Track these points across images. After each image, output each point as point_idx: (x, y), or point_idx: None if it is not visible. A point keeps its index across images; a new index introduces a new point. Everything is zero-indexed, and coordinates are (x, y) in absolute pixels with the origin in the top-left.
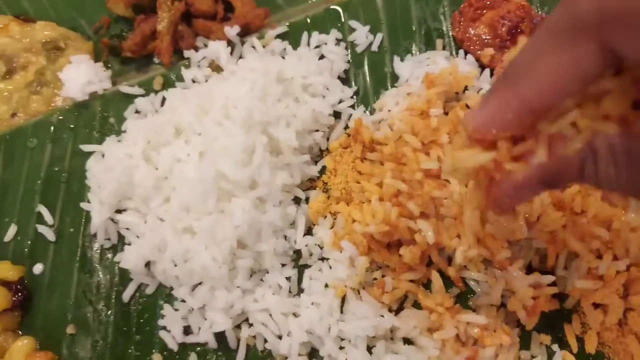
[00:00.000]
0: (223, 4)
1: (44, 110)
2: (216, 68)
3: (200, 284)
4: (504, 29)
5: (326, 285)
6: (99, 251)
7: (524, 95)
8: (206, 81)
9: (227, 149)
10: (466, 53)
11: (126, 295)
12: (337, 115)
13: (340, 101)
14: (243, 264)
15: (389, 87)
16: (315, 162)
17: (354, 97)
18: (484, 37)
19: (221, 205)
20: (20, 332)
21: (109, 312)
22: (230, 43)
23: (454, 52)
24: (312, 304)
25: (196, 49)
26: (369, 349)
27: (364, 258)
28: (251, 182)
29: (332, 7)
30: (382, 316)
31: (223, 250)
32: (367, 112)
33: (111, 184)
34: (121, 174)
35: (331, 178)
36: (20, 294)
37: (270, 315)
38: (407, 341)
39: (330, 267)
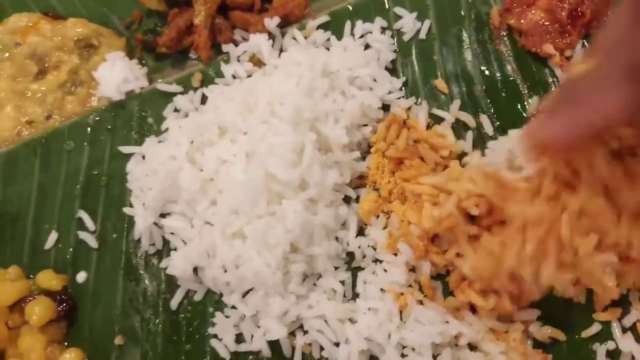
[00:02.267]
0: None
1: (79, 112)
2: (257, 62)
3: (252, 290)
4: (563, 14)
5: (382, 290)
6: (143, 257)
7: (603, 113)
8: (248, 76)
9: (275, 149)
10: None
11: (174, 303)
12: (385, 108)
13: (389, 93)
14: (296, 269)
15: (439, 77)
16: (364, 158)
17: (403, 88)
18: (542, 24)
19: (272, 207)
20: (66, 344)
21: (157, 321)
22: (270, 35)
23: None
24: (369, 309)
25: (234, 42)
26: (434, 357)
27: (427, 263)
28: (301, 183)
29: None
30: (447, 322)
31: (276, 255)
32: (418, 103)
33: (155, 187)
34: (165, 177)
35: (379, 176)
36: (65, 304)
37: (326, 321)
38: (471, 347)
39: (386, 270)
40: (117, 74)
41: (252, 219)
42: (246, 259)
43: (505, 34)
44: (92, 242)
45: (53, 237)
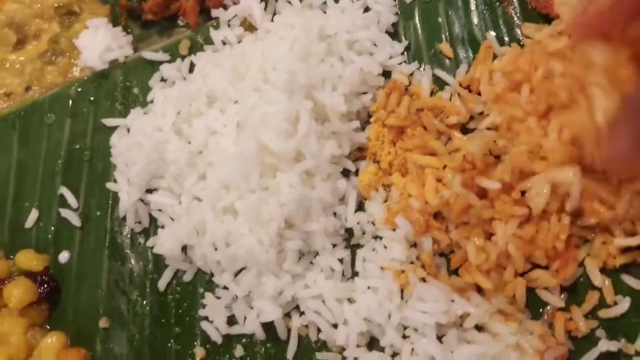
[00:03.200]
0: None
1: (60, 82)
2: (249, 27)
3: (244, 269)
4: None
5: (382, 267)
6: (129, 236)
7: None
8: (239, 42)
9: (268, 118)
10: None
11: (162, 284)
12: (386, 74)
13: (390, 58)
14: (291, 246)
15: (444, 40)
16: (364, 129)
17: (405, 52)
18: None
19: (265, 181)
20: (48, 327)
21: (145, 303)
22: None
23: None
24: (368, 288)
25: (225, 7)
26: (438, 339)
27: (429, 239)
28: (296, 154)
29: None
30: (453, 301)
31: (270, 232)
32: (421, 68)
33: (140, 161)
34: (151, 150)
35: (379, 147)
36: (46, 285)
37: (324, 301)
38: (478, 328)
39: (385, 247)
40: (99, 42)
41: (244, 193)
42: (238, 236)
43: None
44: (74, 220)
45: (34, 215)
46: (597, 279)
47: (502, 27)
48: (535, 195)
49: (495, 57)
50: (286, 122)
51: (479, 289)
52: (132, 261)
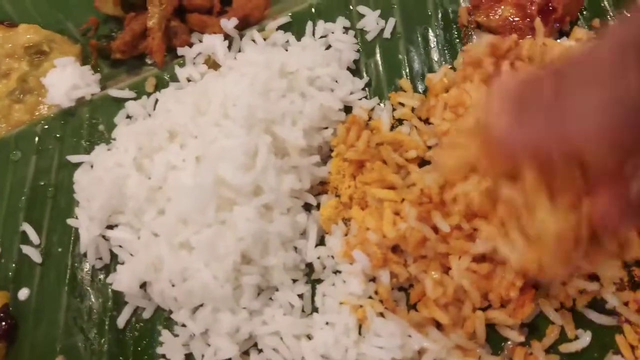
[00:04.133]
0: None
1: (27, 120)
2: (213, 64)
3: (201, 305)
4: (534, 8)
5: (341, 302)
6: (89, 272)
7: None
8: (202, 79)
9: (227, 152)
10: None
11: (121, 321)
12: (347, 110)
13: (351, 94)
14: (249, 281)
15: (404, 76)
16: (325, 163)
17: (366, 88)
18: (512, 20)
19: (222, 215)
20: None
21: (103, 341)
22: (227, 37)
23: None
24: (326, 324)
25: (191, 45)
26: None
27: (387, 273)
28: (255, 188)
29: None
30: (410, 336)
31: (225, 267)
32: (382, 104)
33: (101, 196)
34: (111, 186)
35: (340, 181)
36: (4, 322)
37: (282, 338)
38: None
39: (344, 282)
40: (66, 80)
41: (201, 228)
42: (193, 271)
43: (473, 32)
44: (35, 256)
45: None
46: (556, 318)
47: None
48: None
49: None
50: (245, 156)
51: (438, 324)
52: (92, 298)
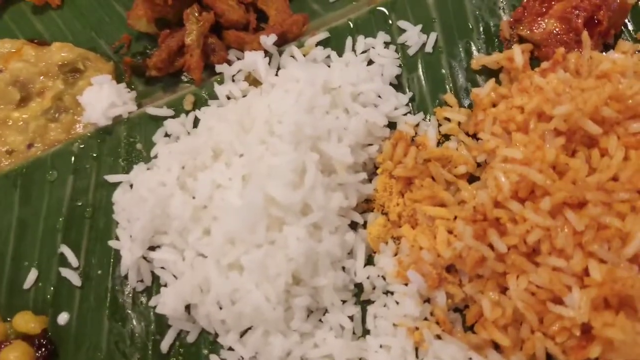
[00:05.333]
0: (255, 13)
1: (63, 139)
2: (253, 81)
3: (249, 329)
4: (579, 21)
5: (395, 324)
6: (131, 295)
7: None
8: (243, 96)
9: (275, 170)
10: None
11: (165, 345)
12: (391, 125)
13: (395, 109)
14: (300, 303)
15: (449, 91)
16: (370, 180)
17: (410, 104)
18: (557, 33)
19: (271, 235)
20: None
21: None
22: (267, 54)
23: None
24: (380, 347)
25: (229, 62)
26: None
27: (443, 293)
28: (303, 207)
29: (376, 7)
30: (471, 359)
31: (277, 288)
32: (427, 119)
33: (143, 217)
34: (154, 206)
35: (387, 198)
36: (44, 349)
37: None
38: None
39: (397, 303)
40: (103, 99)
41: (250, 248)
42: (244, 292)
43: (516, 45)
44: (75, 279)
45: (33, 275)
46: None
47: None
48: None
49: None
50: (293, 174)
51: (496, 346)
52: (134, 322)
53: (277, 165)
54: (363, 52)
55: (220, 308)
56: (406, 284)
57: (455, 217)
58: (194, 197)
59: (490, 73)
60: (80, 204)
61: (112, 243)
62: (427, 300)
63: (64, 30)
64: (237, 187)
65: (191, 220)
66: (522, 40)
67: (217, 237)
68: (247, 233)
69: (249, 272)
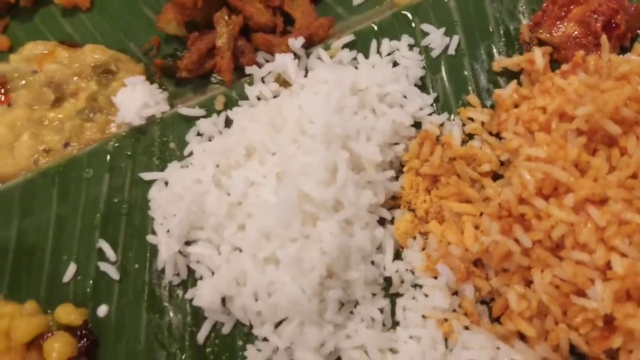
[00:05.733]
0: (282, 16)
1: (98, 138)
2: (283, 82)
3: (284, 320)
4: (598, 25)
5: (423, 316)
6: (167, 288)
7: None
8: (274, 97)
9: (307, 168)
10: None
11: (201, 336)
12: (417, 125)
13: (420, 109)
14: (333, 295)
15: (471, 92)
16: (397, 178)
17: (434, 104)
18: (576, 36)
19: (305, 229)
20: None
21: (184, 356)
22: (295, 56)
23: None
24: (410, 337)
25: (257, 64)
26: None
27: (471, 286)
28: (335, 203)
29: (399, 11)
30: (499, 348)
31: (312, 281)
32: (451, 119)
33: (180, 213)
34: (190, 202)
35: (414, 195)
36: (85, 339)
37: (366, 352)
38: None
39: (426, 295)
40: (137, 99)
41: (285, 242)
42: (280, 285)
43: (535, 48)
44: (113, 273)
45: (72, 269)
46: None
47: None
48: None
49: None
50: (325, 172)
51: (522, 336)
52: (171, 314)
53: (310, 163)
54: (388, 55)
55: (256, 300)
56: (435, 278)
57: (481, 214)
58: (228, 194)
59: (511, 75)
60: (116, 200)
61: (150, 238)
62: (455, 293)
63: (94, 32)
64: (271, 184)
65: (226, 216)
66: (541, 43)
67: (253, 232)
68: (282, 228)
69: (285, 266)
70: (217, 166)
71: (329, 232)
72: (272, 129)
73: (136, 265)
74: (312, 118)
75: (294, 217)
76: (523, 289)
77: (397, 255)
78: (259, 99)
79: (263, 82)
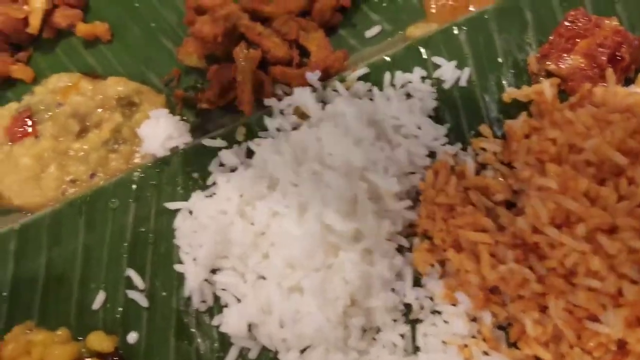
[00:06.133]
0: (297, 49)
1: (123, 169)
2: (302, 115)
3: (308, 346)
4: (603, 58)
5: (444, 342)
6: (194, 315)
7: None
8: (293, 129)
9: (330, 200)
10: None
11: None
12: (431, 155)
13: (434, 140)
14: (356, 323)
15: (483, 122)
16: (413, 207)
17: (449, 135)
18: (582, 68)
19: (328, 259)
20: None
21: None
22: (312, 88)
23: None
24: None
25: (276, 96)
26: None
27: (488, 313)
28: (355, 233)
29: (411, 44)
30: None
31: (337, 309)
32: (465, 149)
33: (207, 243)
34: (216, 232)
35: (431, 224)
36: None
37: None
38: None
39: (446, 322)
40: (161, 131)
41: (309, 272)
42: (305, 313)
43: (543, 79)
44: (142, 300)
45: (101, 297)
46: None
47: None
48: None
49: None
50: (346, 203)
51: None
52: (199, 340)
53: (331, 195)
54: (401, 87)
55: (282, 327)
56: (454, 305)
57: (497, 242)
58: (252, 224)
59: (520, 105)
60: (143, 229)
61: (177, 267)
62: (473, 319)
63: (115, 63)
64: (294, 215)
65: (251, 245)
66: (549, 74)
67: (277, 261)
68: (306, 258)
69: (310, 295)
70: (241, 196)
71: (351, 261)
72: (293, 161)
73: (164, 293)
74: (332, 150)
75: (318, 248)
76: (538, 315)
77: (416, 282)
78: (278, 130)
79: (282, 114)
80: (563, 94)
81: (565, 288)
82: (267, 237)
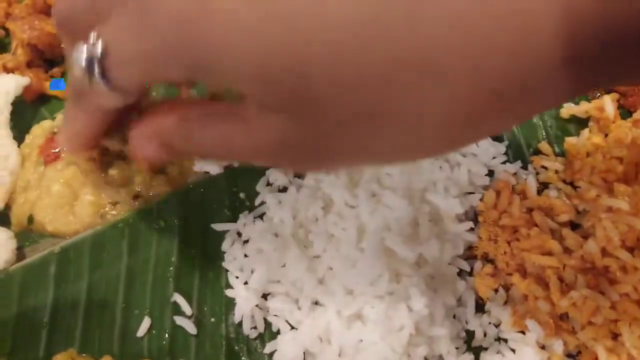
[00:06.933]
0: None
1: (168, 190)
2: None
3: None
4: None
5: None
6: (245, 342)
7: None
8: None
9: (391, 223)
10: None
11: None
12: (489, 174)
13: (493, 158)
14: (420, 353)
15: (542, 139)
16: (473, 228)
17: (507, 152)
18: None
19: (390, 286)
20: None
21: None
22: None
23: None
24: None
25: None
26: None
27: (560, 342)
28: (417, 258)
29: None
30: None
31: (402, 340)
32: (525, 168)
33: (259, 267)
34: (269, 256)
35: (492, 246)
36: None
37: None
38: None
39: (513, 350)
40: None
41: (371, 299)
42: (368, 344)
43: (600, 95)
44: (190, 327)
45: (146, 323)
46: None
47: None
48: None
49: None
50: (409, 227)
51: None
52: None
53: (393, 218)
54: None
55: (339, 355)
56: (522, 332)
57: (565, 266)
58: (305, 247)
59: (579, 121)
60: (189, 252)
61: (228, 292)
62: (542, 347)
63: None
64: (352, 239)
65: (306, 270)
66: (608, 89)
67: (334, 287)
68: (367, 285)
69: (373, 324)
70: (294, 218)
71: (416, 288)
72: (348, 181)
73: (212, 319)
74: (390, 171)
75: (381, 275)
76: (612, 344)
77: (478, 308)
78: None
79: None
80: (622, 109)
81: (639, 314)
82: (323, 262)
